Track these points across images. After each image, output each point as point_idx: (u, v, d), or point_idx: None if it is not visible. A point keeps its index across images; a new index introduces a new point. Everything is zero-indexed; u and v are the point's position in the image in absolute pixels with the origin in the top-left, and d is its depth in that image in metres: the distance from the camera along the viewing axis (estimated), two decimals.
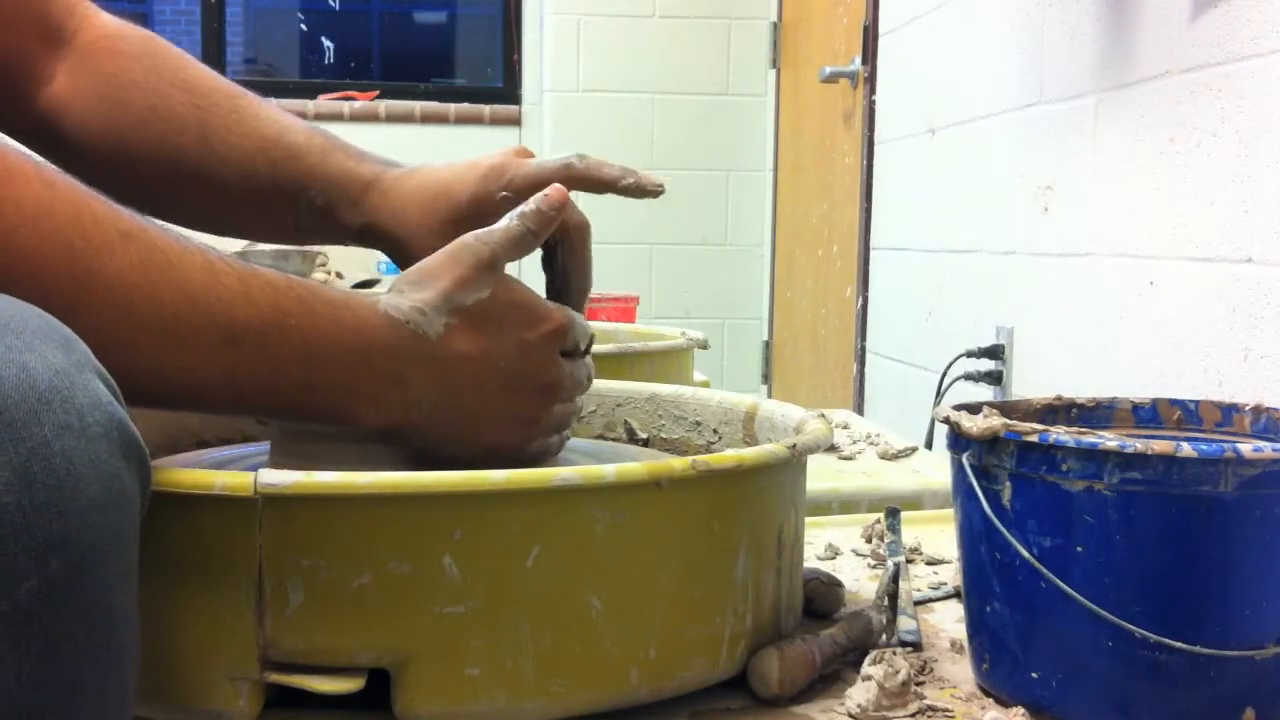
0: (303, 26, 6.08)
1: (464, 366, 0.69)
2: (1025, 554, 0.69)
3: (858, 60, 2.88)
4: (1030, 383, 1.98)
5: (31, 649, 0.45)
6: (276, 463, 0.77)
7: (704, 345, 1.53)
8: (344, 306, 0.66)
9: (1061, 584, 0.68)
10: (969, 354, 2.09)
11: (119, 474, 0.48)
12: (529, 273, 0.78)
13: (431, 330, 0.68)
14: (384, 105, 3.82)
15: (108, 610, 0.48)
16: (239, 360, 0.62)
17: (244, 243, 3.43)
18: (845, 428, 1.57)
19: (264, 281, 0.63)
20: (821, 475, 1.20)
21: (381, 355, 0.66)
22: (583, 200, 0.77)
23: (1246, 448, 0.66)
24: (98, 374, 0.50)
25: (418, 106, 3.83)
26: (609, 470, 0.65)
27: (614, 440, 1.01)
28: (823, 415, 0.85)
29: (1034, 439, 0.69)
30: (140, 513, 0.51)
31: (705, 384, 1.50)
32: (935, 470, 1.30)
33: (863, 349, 2.82)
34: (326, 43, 5.52)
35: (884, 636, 0.81)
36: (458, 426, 0.70)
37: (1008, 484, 0.70)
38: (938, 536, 1.08)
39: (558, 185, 0.75)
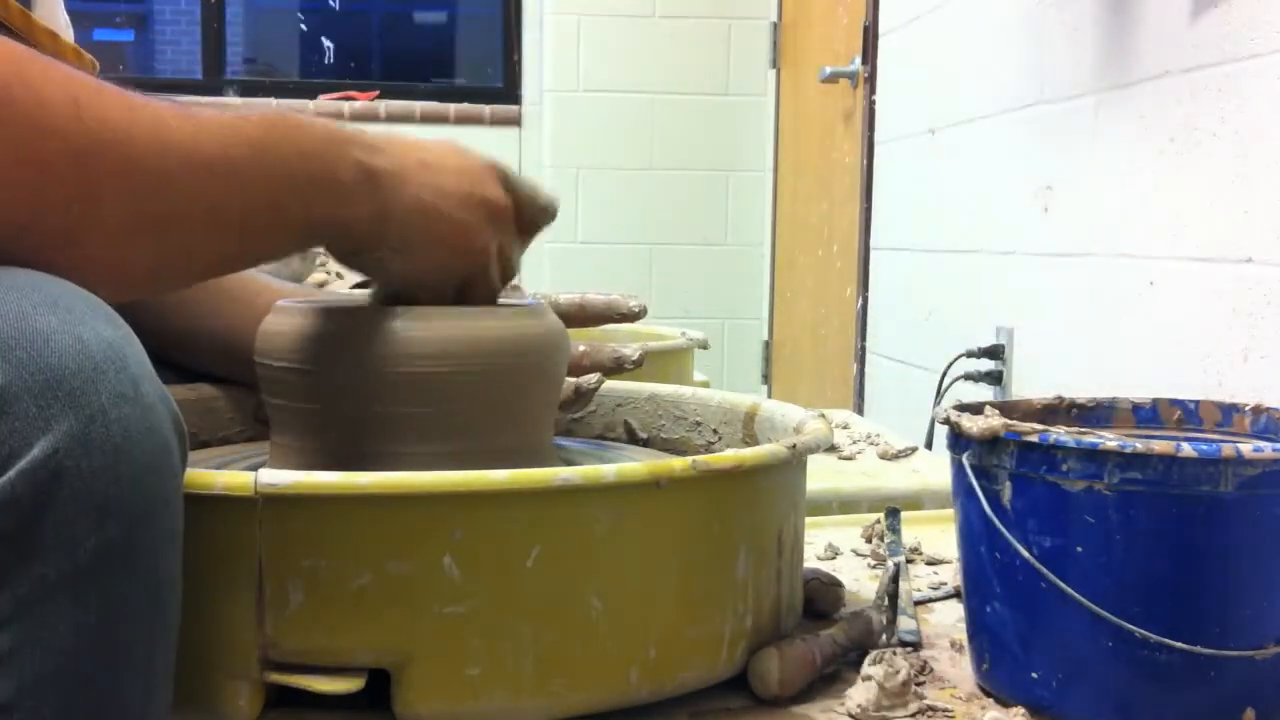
0: (303, 26, 6.07)
1: (412, 167, 0.72)
2: (1025, 554, 0.69)
3: (858, 60, 2.88)
4: (1030, 383, 1.98)
5: (89, 609, 0.46)
6: (277, 463, 0.77)
7: (704, 345, 1.53)
8: (309, 121, 0.68)
9: (1061, 584, 0.68)
10: (969, 354, 2.08)
11: (169, 443, 0.50)
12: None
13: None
14: (384, 105, 3.82)
15: (156, 575, 0.50)
16: (254, 179, 0.64)
17: None
18: (845, 428, 1.57)
19: (246, 115, 0.65)
20: (821, 475, 1.20)
21: (351, 145, 0.68)
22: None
23: (1246, 448, 0.66)
24: (140, 346, 0.51)
25: (418, 106, 3.83)
26: (609, 470, 0.65)
27: (614, 440, 1.01)
28: (823, 415, 0.85)
29: (1034, 439, 0.69)
30: (181, 483, 0.52)
31: (705, 384, 1.50)
32: (935, 470, 1.30)
33: (863, 349, 2.82)
34: (326, 43, 5.51)
35: (884, 636, 0.81)
36: (420, 225, 0.72)
37: (1008, 484, 0.70)
38: (938, 536, 1.08)
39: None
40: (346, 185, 0.68)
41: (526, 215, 0.79)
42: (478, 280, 0.76)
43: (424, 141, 0.76)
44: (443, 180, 0.73)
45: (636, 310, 0.98)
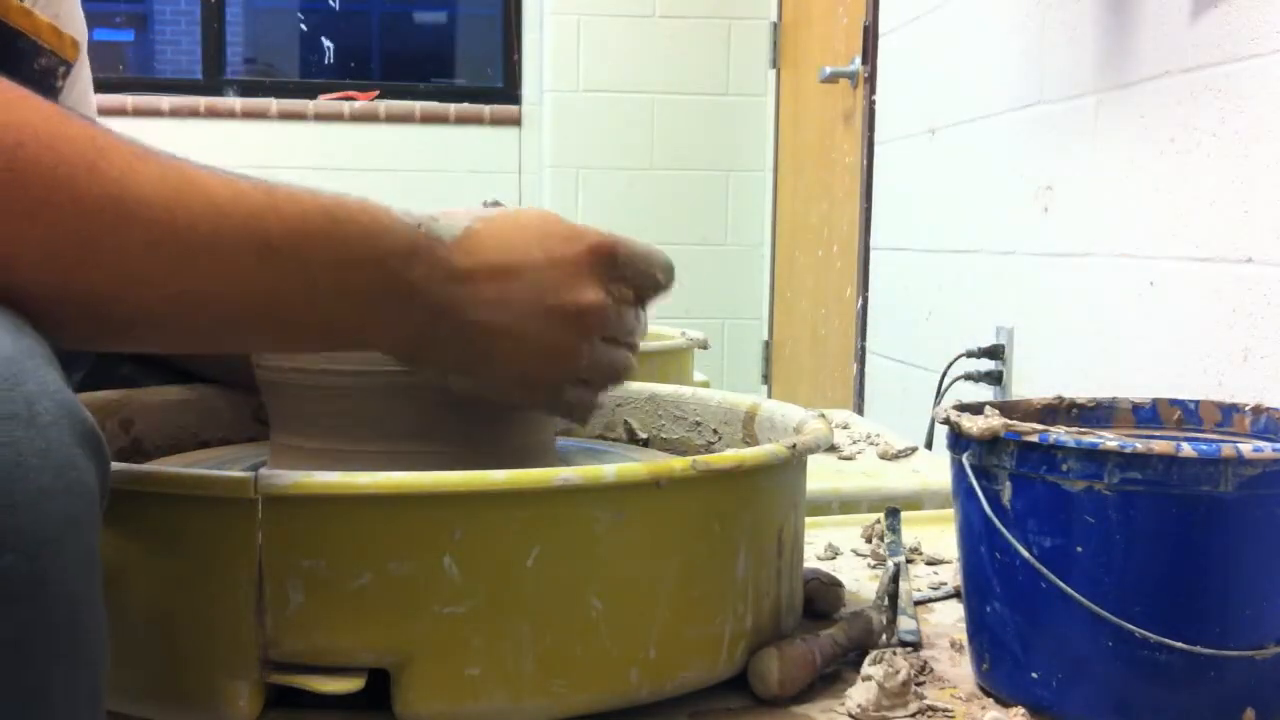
0: (303, 26, 6.07)
1: (482, 275, 0.66)
2: (1025, 554, 0.69)
3: (858, 60, 2.88)
4: (1030, 383, 1.98)
5: None
6: (277, 463, 0.77)
7: (704, 345, 1.53)
8: (362, 211, 0.63)
9: (1061, 584, 0.68)
10: (969, 354, 2.08)
11: (72, 461, 0.46)
12: None
13: (446, 233, 0.65)
14: (384, 105, 3.82)
15: (69, 603, 0.46)
16: (273, 276, 0.59)
17: None
18: (845, 428, 1.57)
19: (286, 193, 0.60)
20: (821, 475, 1.20)
21: (396, 257, 0.63)
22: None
23: (1246, 448, 0.66)
24: (47, 360, 0.48)
25: (418, 106, 3.83)
26: (609, 470, 0.65)
27: (614, 440, 1.01)
28: (823, 415, 0.85)
29: (1034, 439, 0.69)
30: (101, 500, 0.49)
31: (705, 384, 1.50)
32: (935, 470, 1.30)
33: (863, 349, 2.82)
34: (326, 43, 5.51)
35: (884, 636, 0.81)
36: (481, 347, 0.67)
37: (1008, 484, 0.70)
38: (938, 536, 1.08)
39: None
40: (370, 302, 0.62)
41: (642, 294, 0.74)
42: (564, 392, 0.71)
43: (519, 226, 0.68)
44: (520, 290, 0.66)
45: None
